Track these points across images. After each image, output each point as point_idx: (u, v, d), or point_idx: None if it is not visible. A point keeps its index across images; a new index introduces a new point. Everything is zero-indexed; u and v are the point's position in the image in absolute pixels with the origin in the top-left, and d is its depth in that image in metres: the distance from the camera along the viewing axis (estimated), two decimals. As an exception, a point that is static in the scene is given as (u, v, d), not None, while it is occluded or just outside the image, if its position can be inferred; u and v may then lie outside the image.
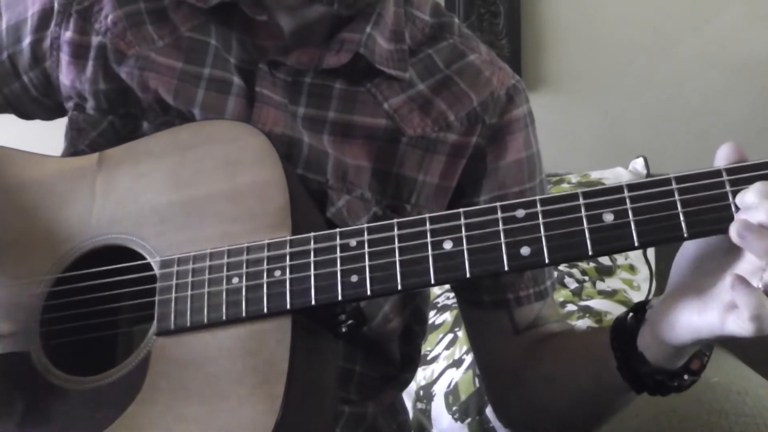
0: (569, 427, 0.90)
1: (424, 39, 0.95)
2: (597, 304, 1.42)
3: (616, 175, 1.63)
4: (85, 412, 0.77)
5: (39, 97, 0.98)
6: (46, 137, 1.12)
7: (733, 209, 0.64)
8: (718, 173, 0.65)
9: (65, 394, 0.78)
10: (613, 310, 1.39)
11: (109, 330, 0.83)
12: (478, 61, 0.95)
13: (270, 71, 0.89)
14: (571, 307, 1.42)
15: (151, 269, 0.79)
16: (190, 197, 0.81)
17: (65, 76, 0.93)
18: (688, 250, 0.71)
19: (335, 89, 0.90)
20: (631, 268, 1.53)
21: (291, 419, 0.71)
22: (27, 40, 0.95)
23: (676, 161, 1.82)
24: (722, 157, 0.67)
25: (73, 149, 0.94)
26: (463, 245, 0.70)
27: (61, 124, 0.99)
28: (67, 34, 0.93)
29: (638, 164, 1.64)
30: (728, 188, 0.64)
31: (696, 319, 0.67)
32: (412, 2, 0.96)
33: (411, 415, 1.35)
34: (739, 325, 0.63)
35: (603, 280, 1.45)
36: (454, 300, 1.33)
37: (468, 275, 0.69)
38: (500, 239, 0.69)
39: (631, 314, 0.77)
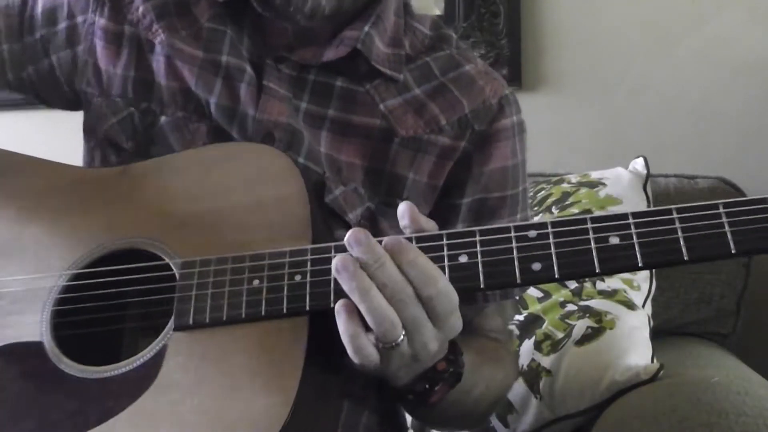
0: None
1: (423, 49, 1.00)
2: (597, 304, 1.42)
3: (616, 175, 1.63)
4: (97, 400, 0.78)
5: (61, 79, 1.03)
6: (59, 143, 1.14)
7: (729, 237, 0.69)
8: (715, 206, 0.71)
9: (77, 383, 0.79)
10: (613, 310, 1.39)
11: (120, 326, 0.86)
12: (473, 71, 1.00)
13: (276, 66, 0.94)
14: (571, 307, 1.42)
15: (169, 270, 0.81)
16: (213, 207, 0.84)
17: (101, 61, 0.99)
18: None
19: (336, 88, 0.95)
20: (631, 268, 1.53)
21: (303, 413, 0.73)
22: (63, 24, 1.02)
23: (676, 161, 1.82)
24: None
25: (93, 141, 0.99)
26: (477, 259, 0.74)
27: (76, 132, 1.03)
28: (102, 21, 0.99)
29: (638, 164, 1.64)
30: (724, 219, 0.70)
31: None
32: (413, 15, 1.02)
33: (412, 414, 1.35)
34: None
35: (603, 280, 1.45)
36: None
37: (482, 285, 0.74)
38: (513, 255, 0.73)
39: None
